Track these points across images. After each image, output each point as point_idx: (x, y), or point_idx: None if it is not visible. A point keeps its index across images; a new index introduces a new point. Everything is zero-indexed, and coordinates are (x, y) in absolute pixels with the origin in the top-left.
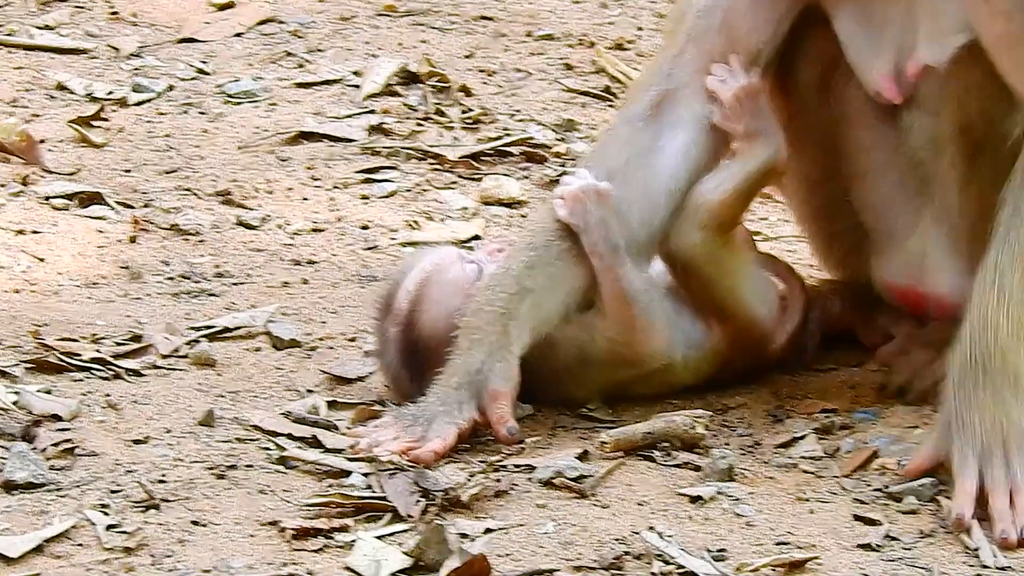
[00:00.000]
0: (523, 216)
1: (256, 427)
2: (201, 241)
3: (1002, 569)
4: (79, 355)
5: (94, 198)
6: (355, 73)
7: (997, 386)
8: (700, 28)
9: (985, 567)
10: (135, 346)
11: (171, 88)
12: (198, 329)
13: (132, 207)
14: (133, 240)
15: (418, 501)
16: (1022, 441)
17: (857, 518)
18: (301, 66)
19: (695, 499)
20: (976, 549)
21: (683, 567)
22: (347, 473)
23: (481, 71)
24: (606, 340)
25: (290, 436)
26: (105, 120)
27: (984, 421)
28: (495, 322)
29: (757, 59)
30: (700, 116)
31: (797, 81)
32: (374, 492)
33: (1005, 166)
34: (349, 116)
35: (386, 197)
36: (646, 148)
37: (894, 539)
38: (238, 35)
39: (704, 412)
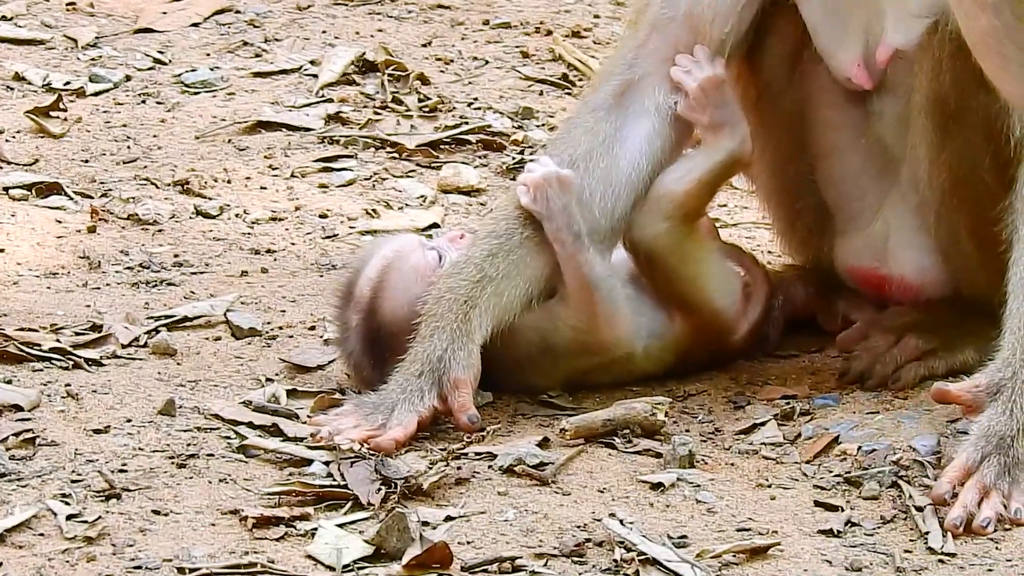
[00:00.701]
0: (482, 204)
1: (216, 416)
2: (160, 231)
3: (949, 555)
4: (39, 345)
5: (53, 188)
6: (312, 62)
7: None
8: (664, 17)
9: (932, 550)
10: (95, 336)
11: (128, 78)
12: (158, 319)
13: (91, 197)
14: (92, 230)
15: (379, 489)
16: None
17: (818, 504)
18: (258, 55)
19: (656, 486)
20: (927, 533)
21: (644, 554)
22: (308, 462)
23: (438, 59)
24: (569, 328)
25: (250, 425)
26: (63, 110)
27: (1013, 427)
28: (457, 310)
29: (722, 48)
30: (664, 106)
31: (764, 60)
32: (335, 480)
33: (976, 144)
34: (306, 105)
35: (344, 186)
36: (609, 137)
37: (855, 525)
38: (195, 25)
39: (664, 399)
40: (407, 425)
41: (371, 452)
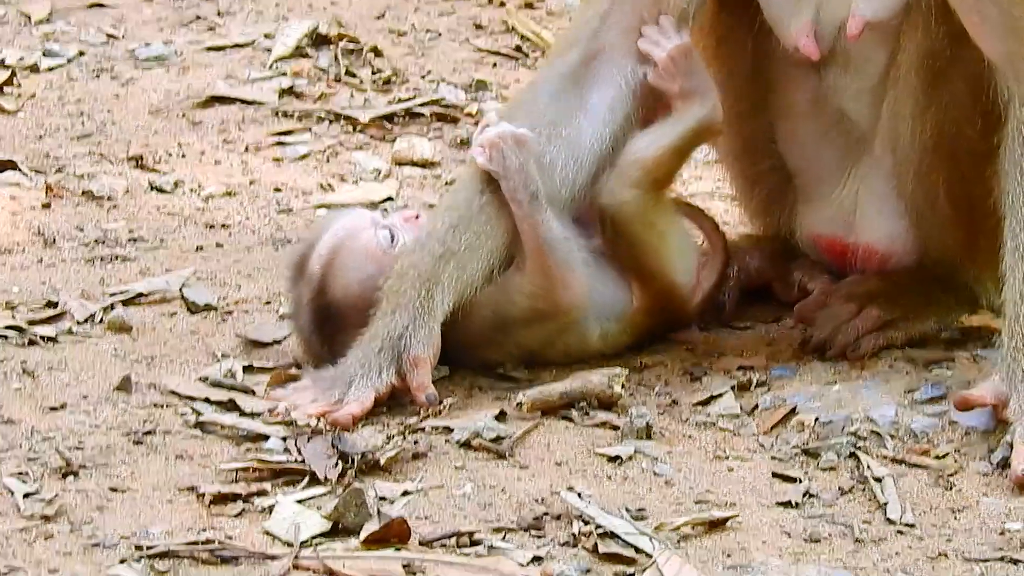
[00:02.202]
0: (436, 177)
1: (173, 392)
2: (114, 206)
3: (908, 525)
4: None
5: (6, 165)
6: (266, 36)
7: None
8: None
9: (891, 521)
10: (50, 312)
11: (82, 54)
12: (113, 295)
13: (45, 173)
14: (47, 206)
15: (336, 464)
16: None
17: (776, 475)
18: (211, 29)
19: (613, 459)
20: (885, 504)
21: (602, 527)
22: (265, 437)
23: (391, 32)
24: (524, 296)
25: (207, 401)
26: (16, 86)
27: None
28: (419, 286)
29: (685, 15)
30: (628, 75)
31: (724, 6)
32: (292, 456)
33: (963, 98)
34: (260, 79)
35: (299, 160)
36: (573, 107)
37: (813, 496)
38: None
39: (621, 370)
40: (364, 401)
41: (328, 427)
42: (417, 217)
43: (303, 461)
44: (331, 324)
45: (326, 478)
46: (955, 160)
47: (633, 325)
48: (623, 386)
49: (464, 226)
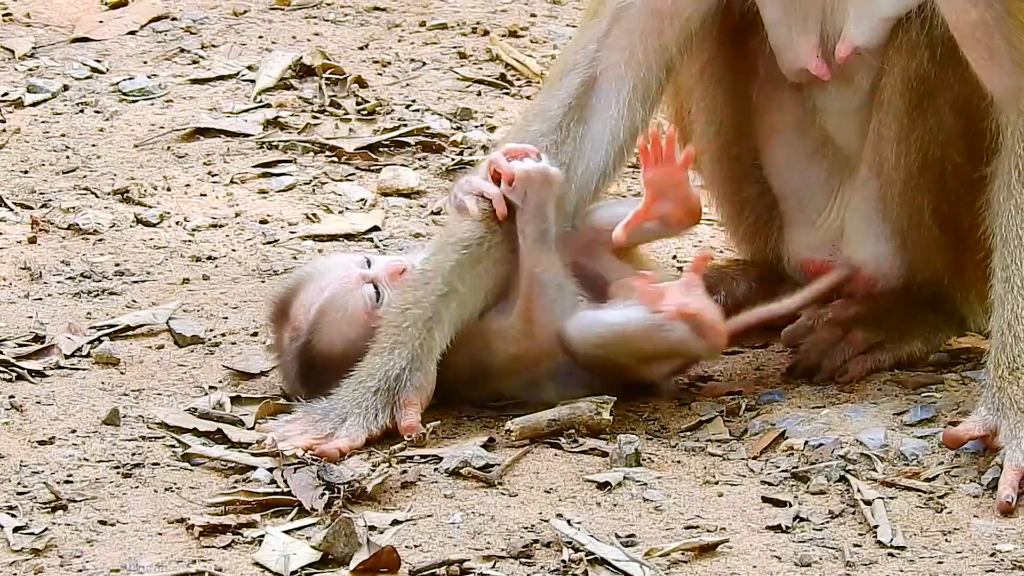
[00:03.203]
0: (422, 206)
1: (161, 424)
2: (100, 240)
3: (899, 548)
4: None
5: None
6: (249, 68)
7: None
8: (626, 8)
9: (881, 544)
10: (37, 347)
11: (66, 88)
12: (100, 328)
13: (31, 208)
14: (32, 241)
15: (323, 494)
16: None
17: (766, 500)
18: (195, 62)
19: (603, 485)
20: (875, 527)
21: (592, 553)
22: (252, 468)
23: (375, 62)
24: (505, 342)
25: (195, 432)
26: (1, 121)
27: None
28: (421, 327)
29: (688, 37)
30: (626, 100)
31: (712, 32)
32: (279, 487)
33: (948, 123)
34: (245, 111)
35: (284, 191)
36: (575, 134)
37: (803, 520)
38: (132, 33)
39: (609, 397)
40: (354, 439)
41: (313, 458)
42: (403, 272)
43: (290, 492)
44: (314, 377)
45: (312, 508)
46: (941, 183)
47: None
48: (611, 412)
49: (470, 264)
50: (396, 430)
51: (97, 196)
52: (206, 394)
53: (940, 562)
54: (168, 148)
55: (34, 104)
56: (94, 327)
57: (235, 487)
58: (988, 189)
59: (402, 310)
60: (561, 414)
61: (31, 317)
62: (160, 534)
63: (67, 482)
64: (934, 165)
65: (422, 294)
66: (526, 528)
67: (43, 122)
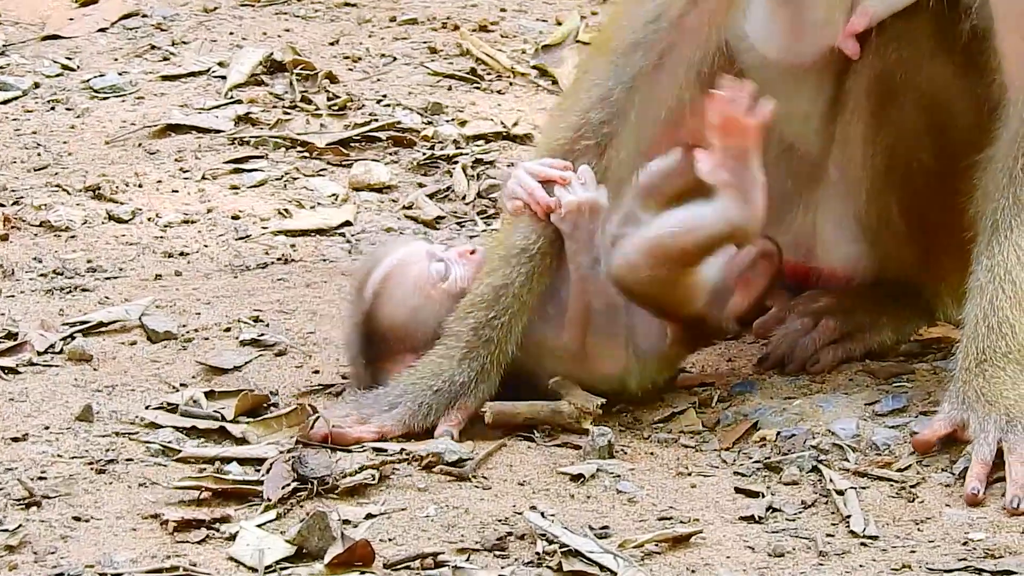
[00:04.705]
0: (393, 200)
1: (134, 420)
2: (73, 237)
3: (871, 538)
4: None
5: None
6: (220, 64)
7: (1018, 373)
8: (651, 30)
9: (854, 534)
10: (10, 344)
11: (37, 85)
12: (73, 325)
13: (3, 205)
14: (4, 238)
15: (296, 490)
16: None
17: (739, 491)
18: (166, 59)
19: (576, 477)
20: (848, 516)
21: (566, 545)
22: (227, 462)
23: (346, 57)
24: (561, 362)
25: (169, 428)
26: None
27: (1008, 398)
28: (494, 343)
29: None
30: (695, 69)
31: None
32: (254, 481)
33: (916, 122)
34: (216, 107)
35: (256, 186)
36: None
37: (776, 510)
38: (102, 30)
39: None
40: (387, 429)
41: (289, 450)
42: (473, 252)
43: (265, 485)
44: (374, 350)
45: (282, 499)
46: (909, 181)
47: (670, 358)
48: (592, 423)
49: (536, 276)
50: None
51: (69, 193)
52: (180, 389)
53: (912, 551)
54: (139, 145)
55: (5, 102)
56: (67, 324)
57: (209, 482)
58: (983, 175)
59: (475, 328)
60: (540, 413)
61: (3, 314)
62: (134, 530)
63: (41, 478)
64: (902, 164)
65: (494, 314)
66: (500, 521)
67: (14, 120)
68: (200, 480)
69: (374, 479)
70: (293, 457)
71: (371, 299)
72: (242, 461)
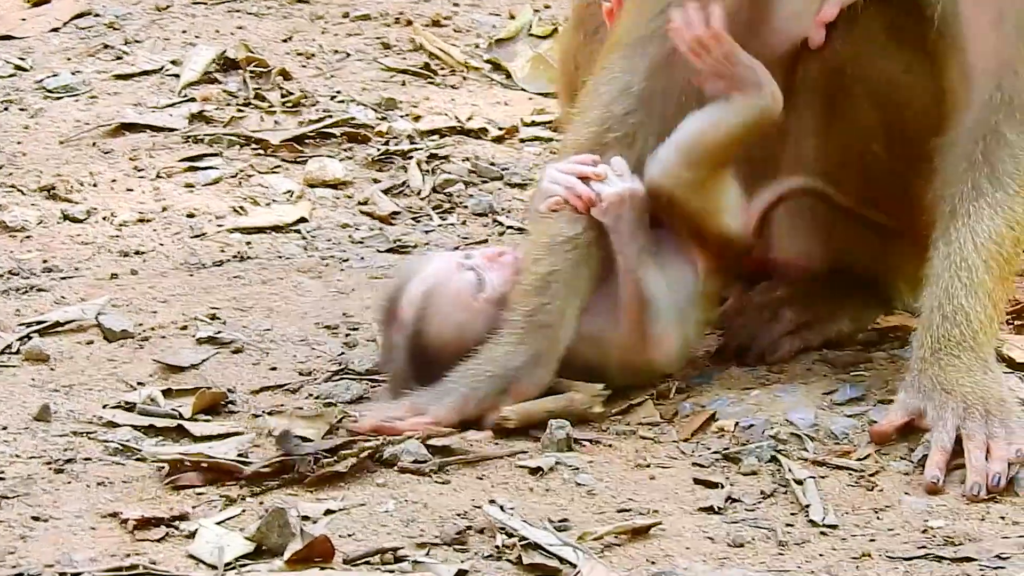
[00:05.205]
0: (348, 196)
1: (92, 420)
2: (28, 237)
3: (831, 527)
4: None
5: None
6: (173, 62)
7: (972, 360)
8: (661, 22)
9: (814, 523)
10: None
11: None
12: (29, 325)
13: None
14: None
15: (254, 489)
16: (998, 404)
17: (698, 482)
18: (119, 58)
19: (535, 470)
20: (807, 506)
21: (526, 538)
22: (184, 460)
23: (299, 54)
24: (618, 350)
25: (126, 427)
26: None
27: (964, 385)
28: (549, 331)
29: None
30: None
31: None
32: (213, 477)
33: (868, 116)
34: (169, 105)
35: (210, 184)
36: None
37: (736, 501)
38: (55, 30)
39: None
40: (443, 417)
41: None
42: (501, 255)
43: (225, 481)
44: (428, 370)
45: (240, 496)
46: (864, 174)
47: (707, 297)
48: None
49: (584, 263)
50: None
51: (23, 193)
52: (136, 388)
53: (872, 540)
54: (94, 144)
55: None
56: (23, 324)
57: (168, 479)
58: (942, 160)
59: (526, 316)
60: (558, 405)
61: None
62: (94, 528)
63: None
64: (856, 158)
65: (546, 300)
66: (459, 515)
67: None
68: (167, 485)
69: (333, 475)
70: (281, 431)
71: (414, 323)
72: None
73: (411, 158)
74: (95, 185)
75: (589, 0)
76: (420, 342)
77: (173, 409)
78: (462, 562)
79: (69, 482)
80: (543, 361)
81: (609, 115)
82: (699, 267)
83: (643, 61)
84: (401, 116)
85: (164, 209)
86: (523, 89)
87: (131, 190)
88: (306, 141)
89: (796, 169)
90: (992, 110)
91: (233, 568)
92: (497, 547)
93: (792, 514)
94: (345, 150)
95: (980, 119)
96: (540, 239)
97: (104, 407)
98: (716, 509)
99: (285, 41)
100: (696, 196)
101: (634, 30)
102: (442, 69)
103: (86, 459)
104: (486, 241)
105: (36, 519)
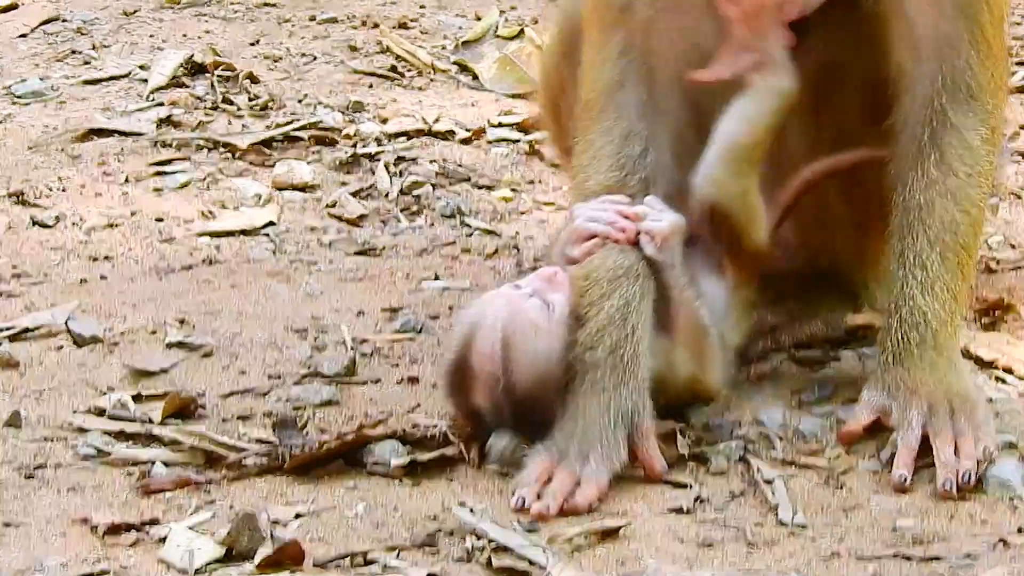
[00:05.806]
0: (317, 200)
1: (63, 425)
2: None
3: (800, 527)
4: None
5: None
6: (141, 67)
7: (935, 359)
8: (627, 59)
9: (783, 523)
10: None
11: None
12: None
13: None
14: None
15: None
16: (963, 401)
17: (666, 482)
18: (87, 63)
19: (504, 473)
20: (776, 506)
21: (495, 541)
22: (153, 464)
23: (267, 58)
24: (685, 369)
25: (97, 432)
26: None
27: (927, 384)
28: (635, 362)
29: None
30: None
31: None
32: (182, 482)
33: (853, 111)
34: (138, 110)
35: (179, 188)
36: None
37: (704, 501)
38: (23, 36)
39: None
40: (601, 483)
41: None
42: (556, 275)
43: (193, 487)
44: (533, 408)
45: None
46: (842, 173)
47: (739, 309)
48: None
49: (649, 296)
50: (635, 462)
51: None
52: (107, 393)
53: (841, 539)
54: (62, 149)
55: None
56: None
57: (138, 484)
58: (895, 144)
59: (610, 352)
60: None
61: None
62: (64, 534)
63: None
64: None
65: (627, 332)
66: (429, 517)
67: None
68: (137, 490)
69: (304, 479)
70: (276, 419)
71: (503, 367)
72: (169, 463)
73: (378, 160)
74: (64, 190)
75: (571, 14)
76: (518, 386)
77: (143, 414)
78: (432, 565)
79: (40, 487)
80: (643, 392)
81: (626, 158)
82: (729, 281)
83: (630, 100)
84: (368, 118)
85: (133, 214)
86: (490, 90)
87: (100, 195)
88: (274, 144)
89: (774, 165)
90: (936, 91)
91: (204, 573)
92: (467, 549)
93: (761, 514)
94: (313, 153)
95: (926, 99)
96: (596, 274)
97: (74, 412)
98: (685, 510)
99: (252, 45)
100: (742, 206)
101: (608, 74)
102: (409, 71)
103: (57, 465)
104: (454, 243)
105: (7, 525)
